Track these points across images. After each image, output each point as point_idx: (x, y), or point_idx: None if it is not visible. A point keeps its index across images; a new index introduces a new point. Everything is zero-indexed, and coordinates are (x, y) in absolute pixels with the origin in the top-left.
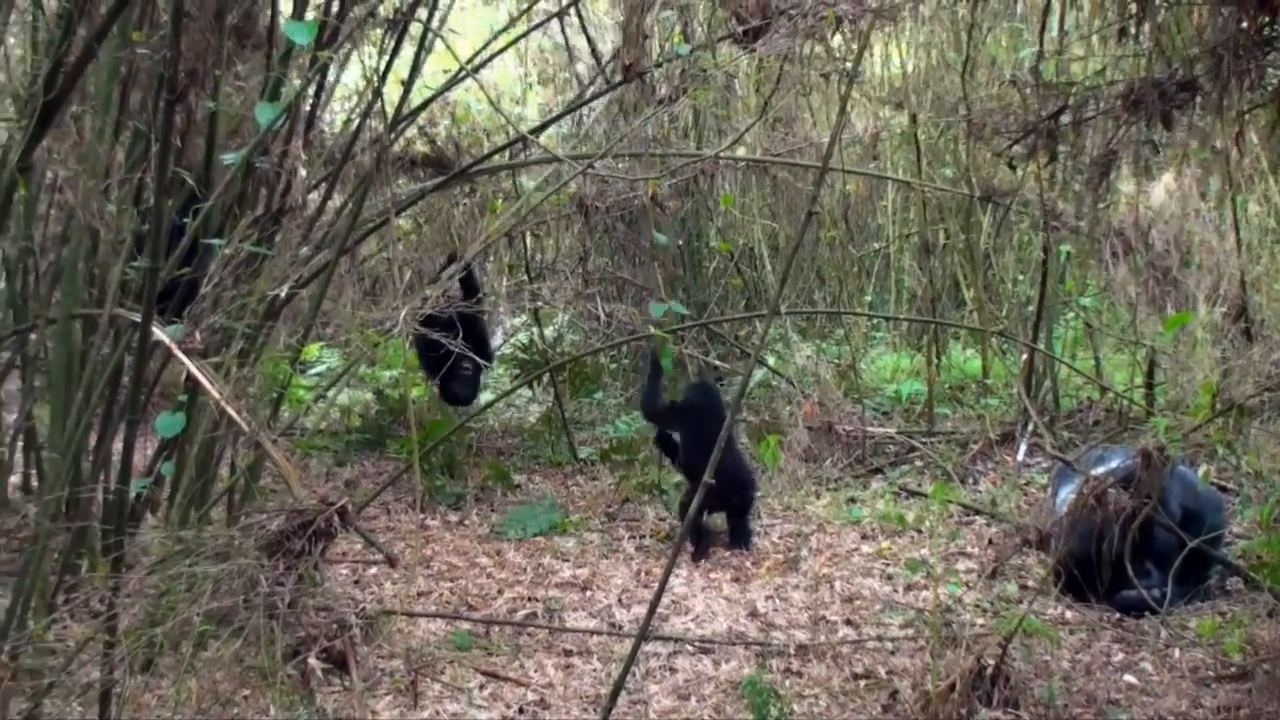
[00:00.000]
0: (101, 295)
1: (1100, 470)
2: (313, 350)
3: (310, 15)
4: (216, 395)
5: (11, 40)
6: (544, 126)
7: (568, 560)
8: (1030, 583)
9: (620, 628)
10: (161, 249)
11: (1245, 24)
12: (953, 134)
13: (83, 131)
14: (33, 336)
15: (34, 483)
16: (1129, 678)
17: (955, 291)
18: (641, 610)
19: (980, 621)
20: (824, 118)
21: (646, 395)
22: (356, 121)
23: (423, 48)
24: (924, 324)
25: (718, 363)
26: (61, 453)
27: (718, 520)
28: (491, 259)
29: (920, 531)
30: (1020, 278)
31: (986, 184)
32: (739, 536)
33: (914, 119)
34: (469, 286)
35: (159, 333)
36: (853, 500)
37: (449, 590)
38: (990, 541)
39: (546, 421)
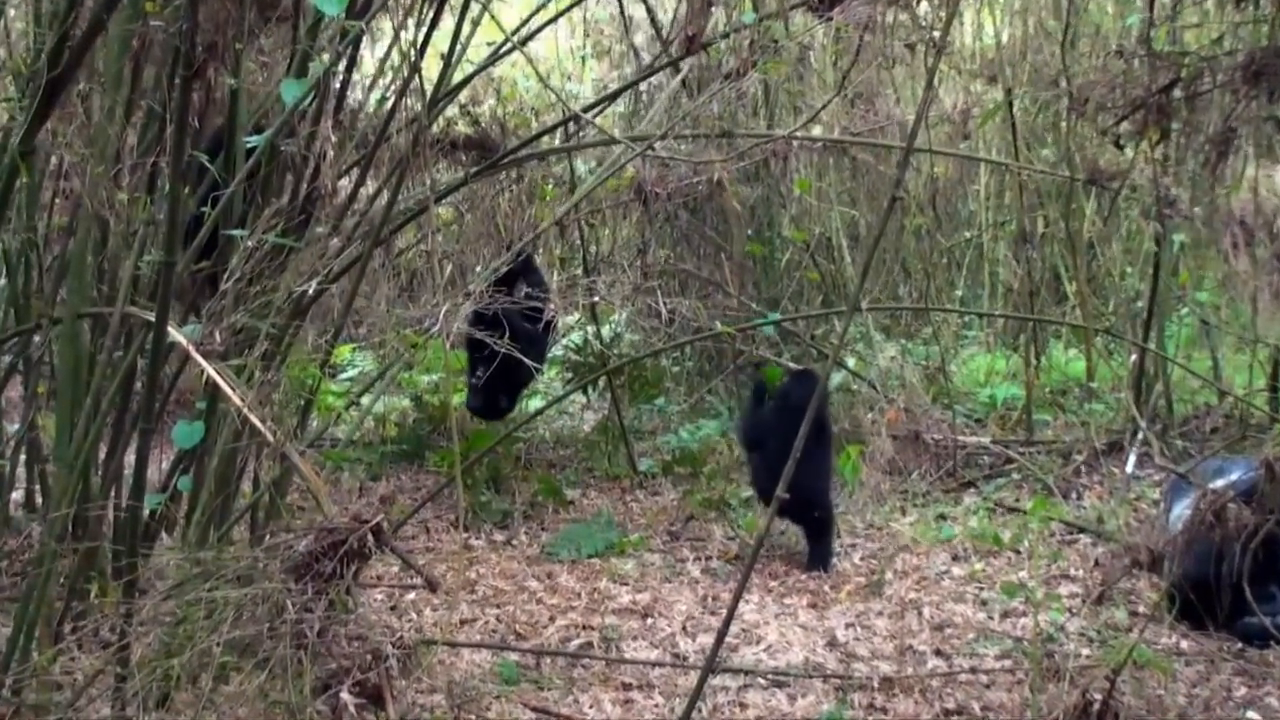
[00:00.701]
0: (112, 292)
1: (1219, 483)
2: (344, 352)
3: None
4: (238, 402)
5: (12, 12)
6: (599, 104)
7: (626, 584)
8: (1141, 609)
9: (685, 659)
10: (178, 240)
11: None
12: (1053, 111)
13: (91, 112)
14: (36, 338)
15: (38, 499)
16: (1252, 715)
17: (1056, 285)
18: (708, 640)
19: (1085, 652)
20: (909, 93)
21: (743, 422)
22: (392, 100)
23: (464, 18)
24: (1021, 321)
25: (791, 365)
26: (68, 466)
27: (794, 538)
28: (541, 251)
29: (1018, 552)
30: (1129, 270)
31: (1090, 166)
32: (817, 557)
33: (1009, 94)
34: (529, 277)
35: (175, 333)
36: (942, 517)
37: (495, 618)
38: (1096, 563)
39: (603, 430)
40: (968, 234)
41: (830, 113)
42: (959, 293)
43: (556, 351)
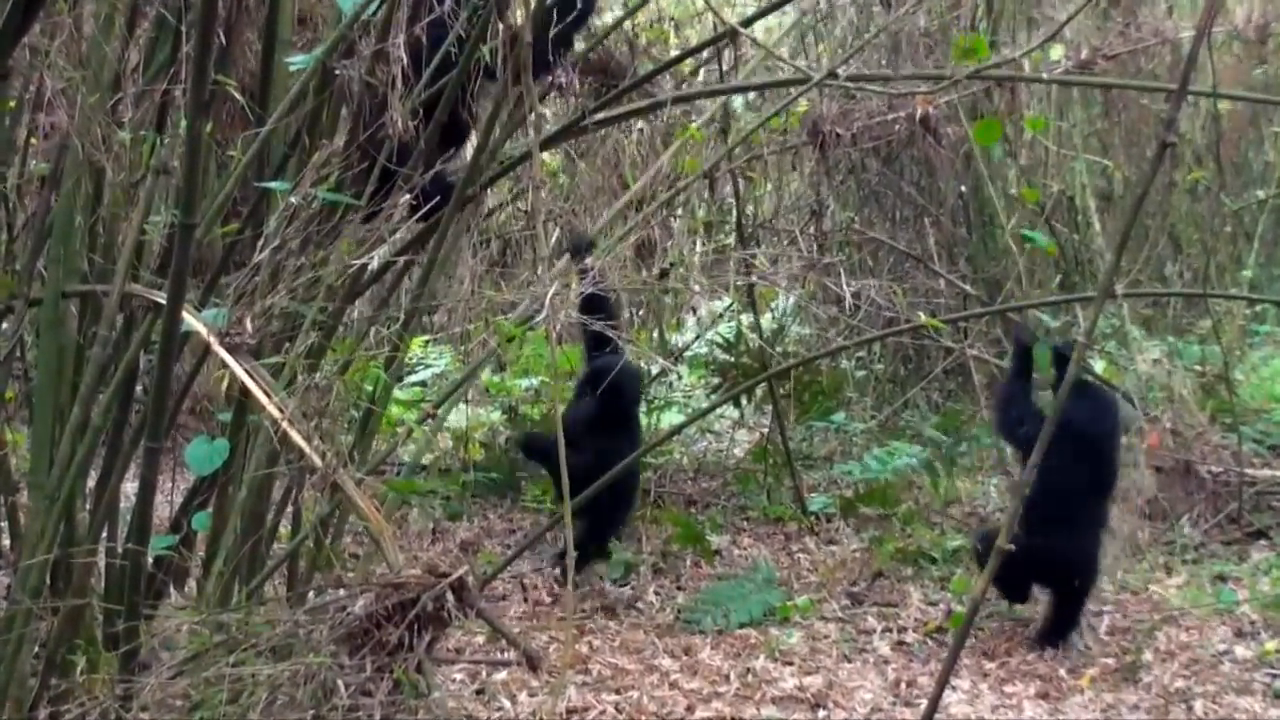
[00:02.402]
0: (108, 264)
1: None
2: (416, 347)
3: None
4: (276, 413)
5: None
6: (761, 15)
7: (791, 663)
8: None
9: None
10: (197, 195)
11: None
12: None
13: (81, 21)
14: (4, 324)
15: (6, 542)
16: None
17: None
18: None
19: None
20: (1185, 1)
21: (1003, 404)
22: (484, 8)
23: None
24: None
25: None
26: (47, 497)
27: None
28: (680, 213)
29: None
30: None
31: None
32: (1059, 628)
33: None
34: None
35: (192, 319)
36: (1222, 579)
37: (614, 706)
38: None
39: (761, 456)
40: (1261, 193)
41: (1076, 28)
42: (1248, 274)
43: (700, 349)
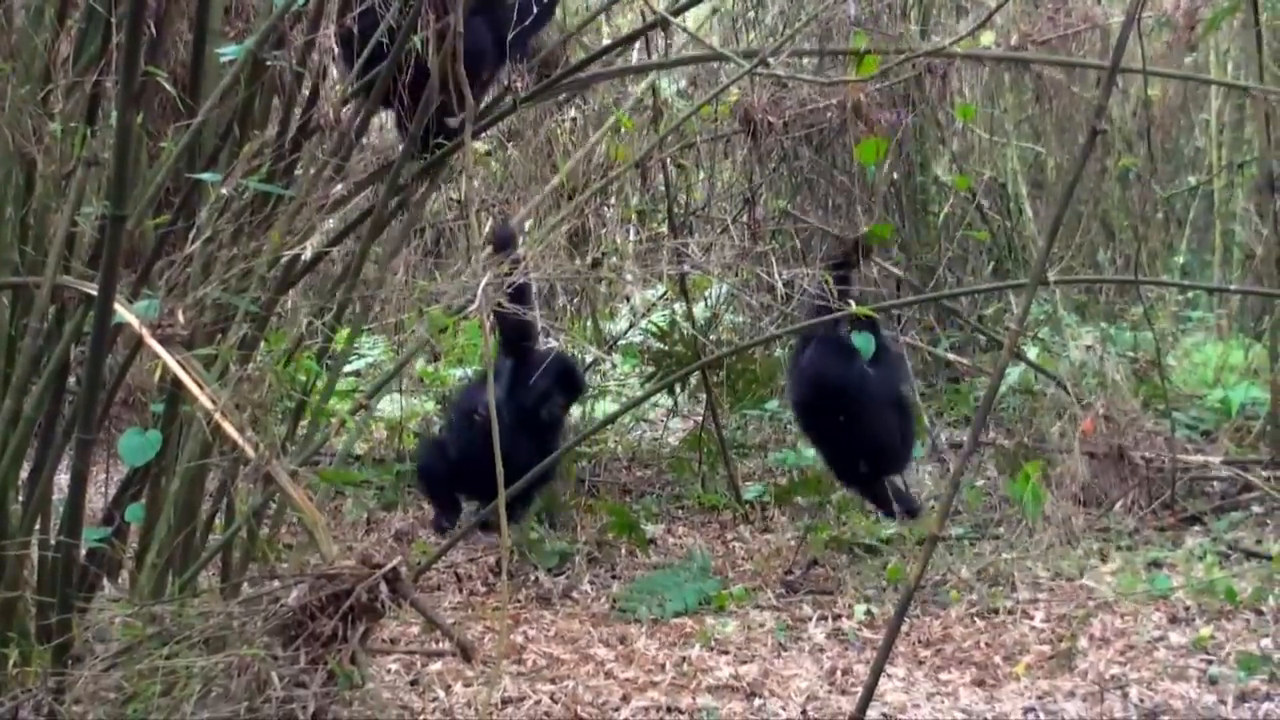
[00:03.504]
0: (38, 256)
1: None
2: (348, 337)
3: None
4: (208, 404)
5: None
6: (692, 4)
7: (726, 652)
8: None
9: None
10: (128, 187)
11: None
12: None
13: (11, 12)
14: None
15: None
16: None
17: None
18: None
19: None
20: None
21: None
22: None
23: None
24: (1265, 299)
25: (951, 355)
26: None
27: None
28: (613, 202)
29: (1260, 613)
30: None
31: None
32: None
33: None
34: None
35: (124, 311)
36: (1156, 565)
37: (550, 696)
38: None
39: (695, 445)
40: (1193, 180)
41: (1006, 14)
42: (1180, 259)
43: (634, 337)
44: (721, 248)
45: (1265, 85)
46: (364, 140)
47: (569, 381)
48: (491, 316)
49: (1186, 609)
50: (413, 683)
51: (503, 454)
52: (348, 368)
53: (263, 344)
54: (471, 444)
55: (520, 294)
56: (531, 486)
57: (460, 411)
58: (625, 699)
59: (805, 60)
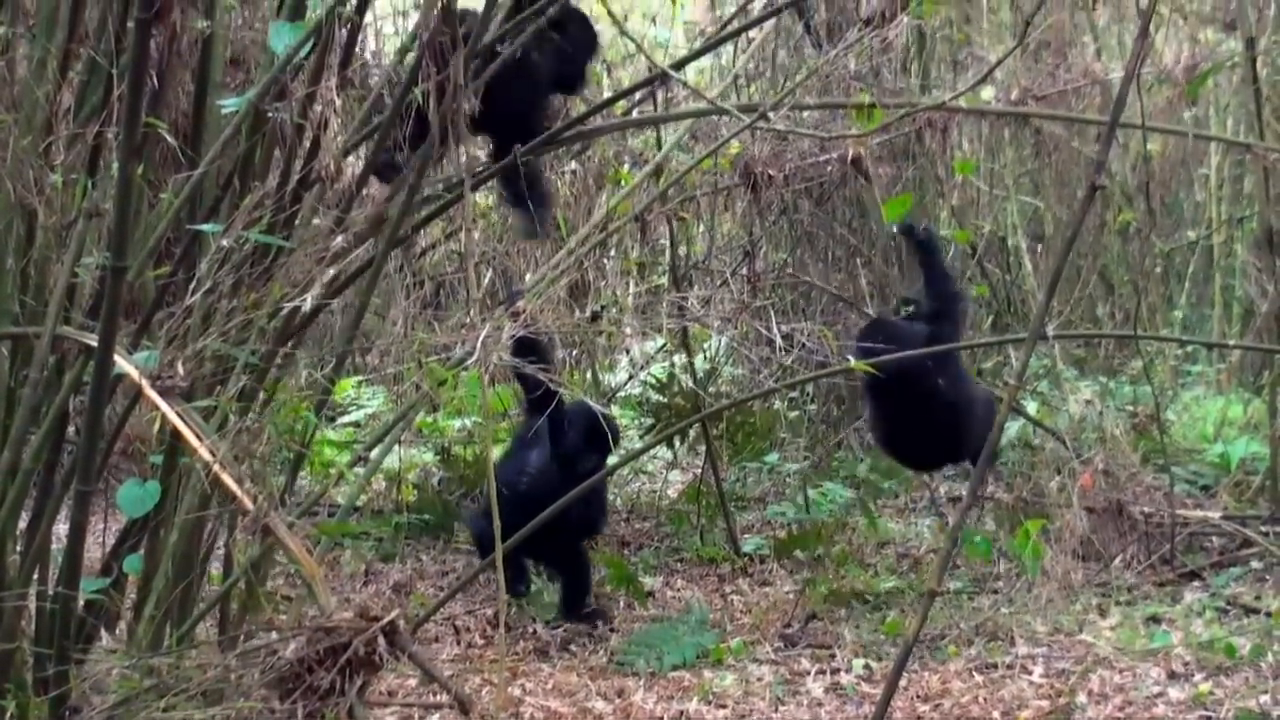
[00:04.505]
0: (39, 306)
1: None
2: (348, 388)
3: None
4: (207, 455)
5: None
6: (693, 57)
7: (725, 706)
8: None
9: None
10: (129, 238)
11: None
12: None
13: (14, 65)
14: None
15: None
16: None
17: None
18: None
19: None
20: (1113, 42)
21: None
22: (415, 50)
23: None
24: (1266, 354)
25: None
26: None
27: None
28: (613, 254)
29: (1259, 668)
30: None
31: None
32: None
33: (1251, 45)
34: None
35: (124, 362)
36: (1155, 620)
37: None
38: None
39: (694, 497)
40: (1192, 234)
41: (1006, 69)
42: (1179, 314)
43: (633, 390)
44: (721, 300)
45: (1266, 143)
46: (364, 192)
47: (600, 435)
48: (509, 376)
49: (1186, 665)
50: None
51: (556, 514)
52: (346, 419)
53: (262, 395)
54: (519, 508)
55: (536, 349)
56: (578, 540)
57: (505, 481)
58: None
59: (806, 114)
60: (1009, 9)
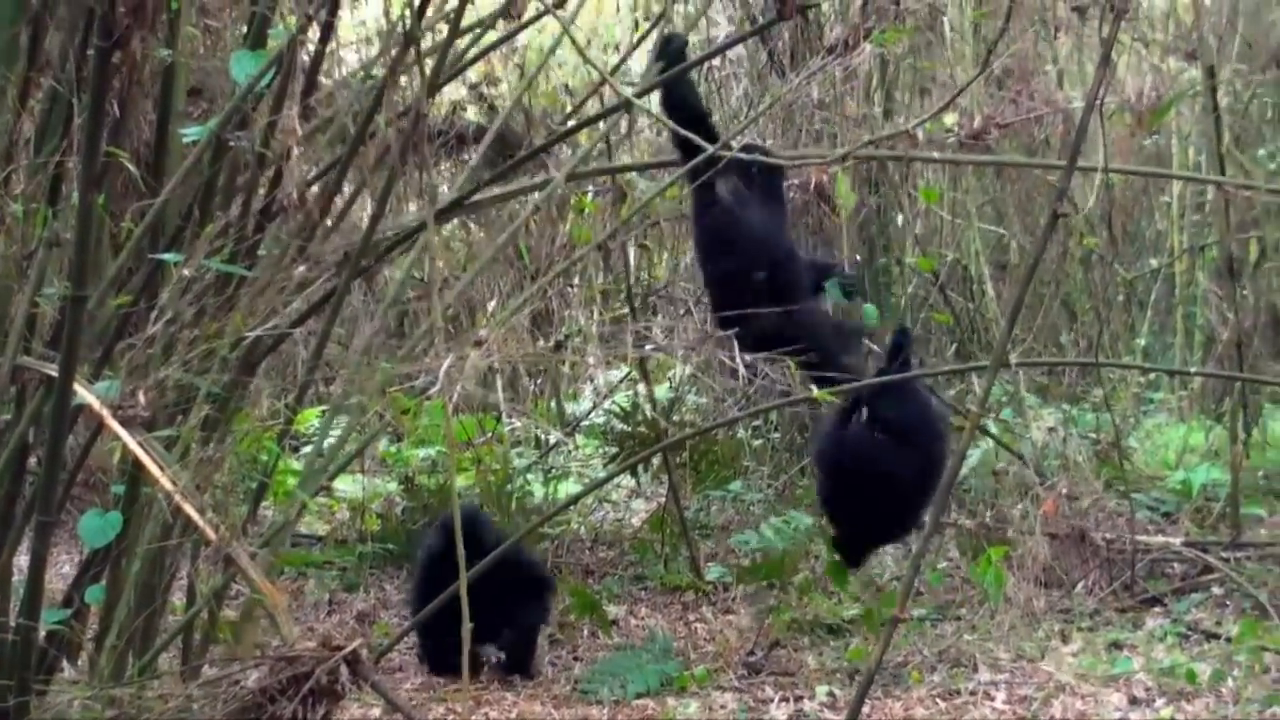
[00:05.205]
0: (0, 336)
1: None
2: (310, 417)
3: None
4: (169, 485)
5: None
6: (655, 86)
7: None
8: None
9: None
10: (89, 267)
11: None
12: (1273, 97)
13: None
14: None
15: None
16: None
17: (1275, 332)
18: None
19: None
20: (1076, 71)
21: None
22: (379, 80)
23: None
24: (1227, 381)
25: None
26: None
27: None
28: (576, 284)
29: (1220, 694)
30: None
31: None
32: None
33: (1212, 74)
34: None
35: (84, 393)
36: (1117, 646)
37: None
38: None
39: (657, 526)
40: (1154, 262)
41: (970, 97)
42: (1142, 341)
43: (597, 419)
44: (684, 330)
45: (1226, 181)
46: (327, 222)
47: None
48: (472, 406)
49: (1147, 690)
50: None
51: None
52: (307, 448)
53: (224, 425)
54: None
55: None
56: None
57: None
58: None
59: (771, 142)
60: (972, 38)
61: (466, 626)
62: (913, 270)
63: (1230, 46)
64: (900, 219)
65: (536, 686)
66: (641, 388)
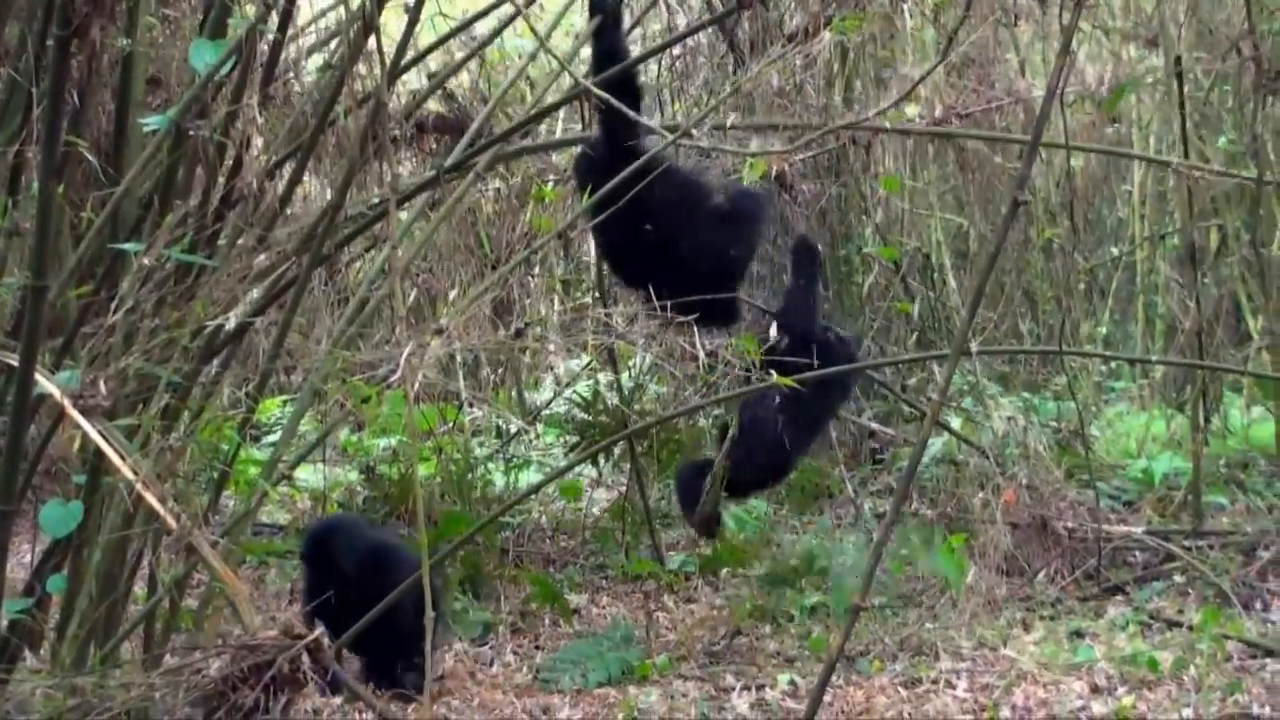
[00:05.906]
0: None
1: None
2: (272, 407)
3: None
4: (130, 475)
5: None
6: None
7: None
8: None
9: None
10: (49, 257)
11: None
12: (1233, 86)
13: None
14: None
15: None
16: None
17: (1236, 321)
18: None
19: None
20: (1038, 60)
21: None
22: (338, 69)
23: None
24: (1188, 370)
25: (875, 425)
26: None
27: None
28: (537, 273)
29: (1181, 682)
30: None
31: None
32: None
33: (1178, 63)
34: None
35: (45, 382)
36: (1079, 635)
37: None
38: None
39: (619, 514)
40: (1115, 251)
41: (930, 86)
42: (1103, 330)
43: (558, 408)
44: (645, 317)
45: (1188, 165)
46: (288, 210)
47: None
48: (433, 395)
49: (1109, 679)
50: None
51: None
52: (269, 438)
53: (186, 414)
54: None
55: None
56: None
57: None
58: None
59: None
60: (933, 27)
61: (429, 615)
62: (874, 259)
63: (1191, 33)
64: (862, 207)
65: (498, 675)
66: (603, 376)
